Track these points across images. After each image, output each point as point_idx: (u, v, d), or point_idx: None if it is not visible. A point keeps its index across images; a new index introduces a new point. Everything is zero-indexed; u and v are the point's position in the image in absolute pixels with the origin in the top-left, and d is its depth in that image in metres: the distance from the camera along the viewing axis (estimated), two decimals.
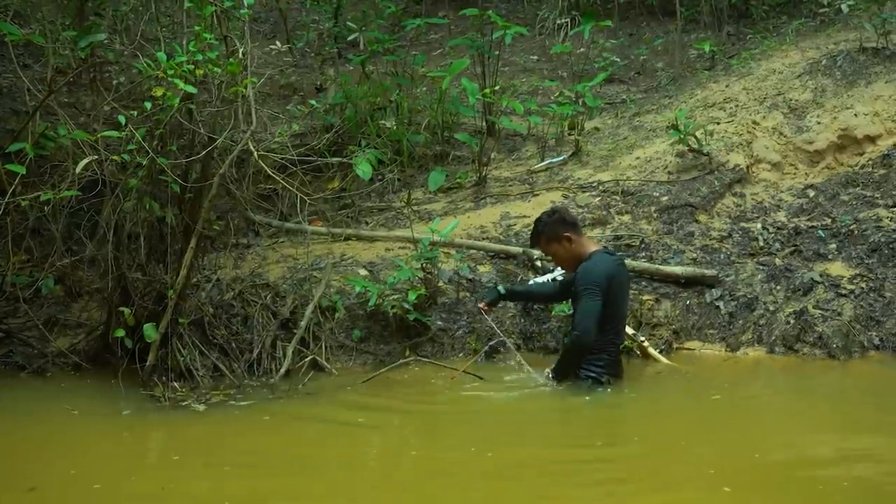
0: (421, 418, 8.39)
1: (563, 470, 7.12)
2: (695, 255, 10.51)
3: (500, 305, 9.56)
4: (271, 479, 6.94)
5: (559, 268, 9.36)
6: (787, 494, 6.51)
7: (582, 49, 14.99)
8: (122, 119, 8.49)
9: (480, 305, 9.24)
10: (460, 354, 9.71)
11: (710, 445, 7.53)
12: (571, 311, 9.03)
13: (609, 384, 8.70)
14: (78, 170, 8.49)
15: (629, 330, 9.48)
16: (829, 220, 10.75)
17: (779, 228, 10.74)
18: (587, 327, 8.56)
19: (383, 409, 8.50)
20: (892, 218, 10.60)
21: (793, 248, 10.48)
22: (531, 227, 9.05)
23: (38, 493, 6.53)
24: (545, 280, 9.70)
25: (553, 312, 9.79)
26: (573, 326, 8.65)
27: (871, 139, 11.53)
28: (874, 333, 9.62)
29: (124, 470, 7.15)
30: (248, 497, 6.65)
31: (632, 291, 9.47)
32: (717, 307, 10.02)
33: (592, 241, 9.10)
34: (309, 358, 9.32)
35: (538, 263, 10.26)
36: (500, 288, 9.23)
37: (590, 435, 7.97)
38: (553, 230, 8.76)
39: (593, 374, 8.68)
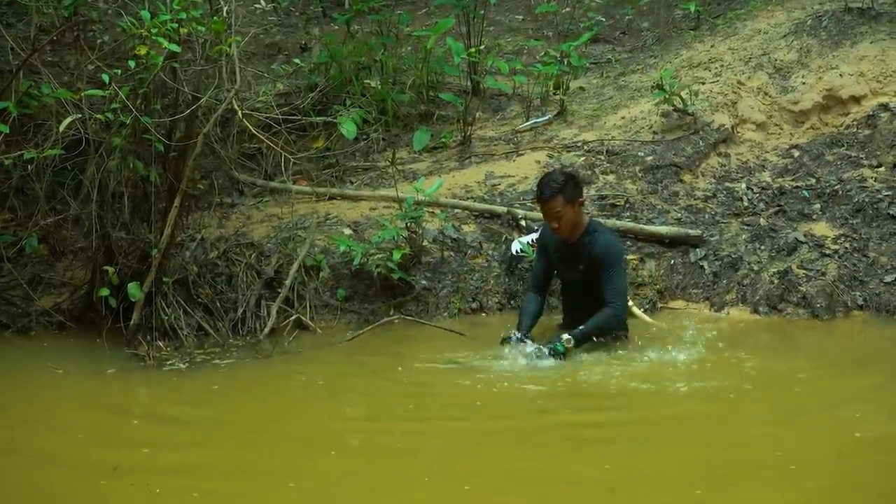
0: (404, 379, 8.41)
1: (555, 434, 7.19)
2: (679, 214, 10.52)
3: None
4: (251, 440, 6.99)
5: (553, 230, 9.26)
6: None
7: (567, 8, 14.93)
8: (105, 78, 8.47)
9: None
10: (444, 314, 9.73)
11: None
12: (605, 280, 8.66)
13: (624, 338, 8.79)
14: (62, 129, 8.49)
15: None
16: (813, 181, 10.76)
17: (763, 188, 10.76)
18: (624, 304, 8.71)
19: (367, 369, 8.53)
20: (876, 178, 10.62)
21: (777, 208, 10.50)
22: (548, 181, 8.70)
23: (122, 472, 6.47)
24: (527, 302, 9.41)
25: None
26: (613, 299, 8.57)
27: (856, 99, 11.52)
28: (858, 293, 9.65)
29: (110, 432, 7.21)
30: (227, 461, 6.69)
31: None
32: (702, 267, 10.04)
33: None
34: (293, 317, 9.33)
35: (522, 223, 10.27)
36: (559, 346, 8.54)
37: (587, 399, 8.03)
38: (573, 192, 8.62)
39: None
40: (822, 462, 6.57)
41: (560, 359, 8.35)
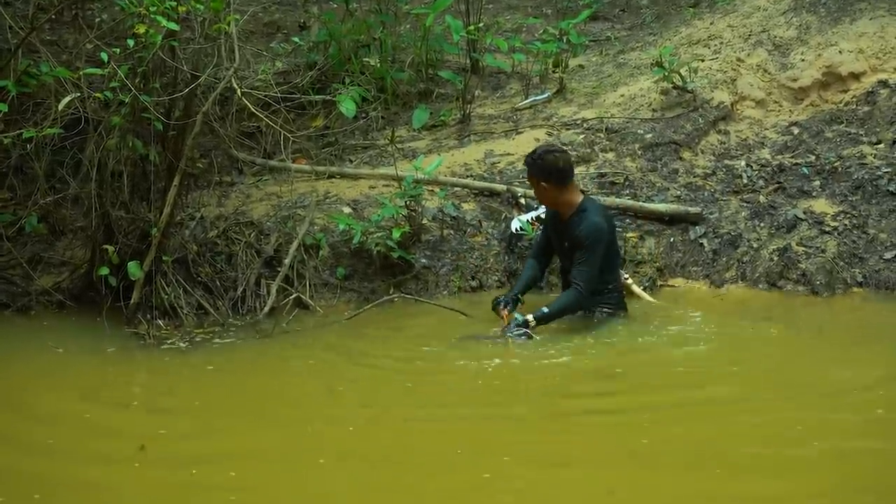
0: (402, 360, 8.37)
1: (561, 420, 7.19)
2: (679, 192, 10.52)
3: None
4: (247, 421, 6.99)
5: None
6: None
7: None
8: (104, 56, 8.47)
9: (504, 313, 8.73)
10: (444, 292, 9.73)
11: None
12: (577, 261, 8.66)
13: (623, 317, 8.83)
14: (61, 107, 8.48)
15: None
16: (813, 158, 10.76)
17: (763, 166, 10.75)
18: (590, 288, 8.61)
19: (366, 348, 8.53)
20: (875, 155, 10.62)
21: (777, 185, 10.50)
22: (534, 150, 8.86)
23: (149, 454, 6.41)
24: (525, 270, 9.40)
25: None
26: (578, 282, 8.57)
27: (856, 76, 11.52)
28: (857, 270, 9.66)
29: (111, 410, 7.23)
30: (241, 445, 6.67)
31: (616, 229, 9.46)
32: (701, 244, 10.05)
33: (577, 188, 9.00)
34: (293, 296, 9.31)
35: (522, 201, 10.27)
36: (519, 317, 8.58)
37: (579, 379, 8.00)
38: (540, 171, 8.64)
39: (609, 310, 8.79)
40: (823, 458, 6.50)
41: (525, 328, 8.42)
